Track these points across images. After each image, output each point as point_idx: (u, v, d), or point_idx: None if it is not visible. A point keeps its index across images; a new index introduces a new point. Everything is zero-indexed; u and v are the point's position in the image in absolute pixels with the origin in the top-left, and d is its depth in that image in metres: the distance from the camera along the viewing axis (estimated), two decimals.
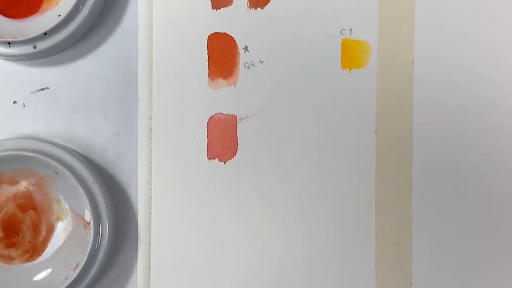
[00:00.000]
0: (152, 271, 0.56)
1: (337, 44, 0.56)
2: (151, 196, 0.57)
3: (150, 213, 0.57)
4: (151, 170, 0.57)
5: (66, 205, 0.56)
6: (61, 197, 0.56)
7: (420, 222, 0.56)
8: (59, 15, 0.54)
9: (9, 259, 0.56)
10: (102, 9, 0.57)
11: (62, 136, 0.57)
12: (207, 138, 0.57)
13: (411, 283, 0.56)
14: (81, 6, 0.54)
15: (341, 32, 0.56)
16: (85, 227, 0.55)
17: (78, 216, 0.55)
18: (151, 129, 0.57)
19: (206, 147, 0.57)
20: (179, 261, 0.57)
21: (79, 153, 0.57)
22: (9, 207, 0.56)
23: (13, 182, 0.56)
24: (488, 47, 0.56)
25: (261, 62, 0.57)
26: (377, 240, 0.56)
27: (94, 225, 0.54)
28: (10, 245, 0.56)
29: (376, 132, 0.56)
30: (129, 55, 0.57)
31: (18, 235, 0.56)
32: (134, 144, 0.57)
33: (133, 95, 0.57)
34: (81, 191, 0.54)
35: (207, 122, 0.57)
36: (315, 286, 0.56)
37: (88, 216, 0.54)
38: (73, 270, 0.54)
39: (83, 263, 0.53)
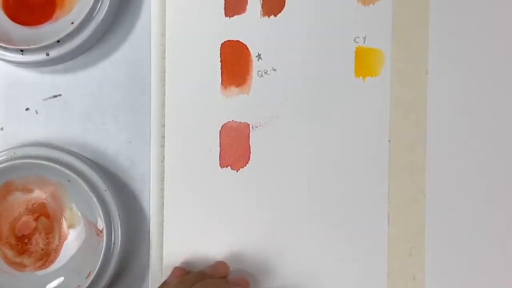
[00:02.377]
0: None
1: (350, 52, 0.56)
2: (163, 204, 0.56)
3: (163, 221, 0.57)
4: (163, 178, 0.57)
5: (79, 213, 0.56)
6: (74, 204, 0.56)
7: (433, 231, 0.56)
8: (72, 23, 0.54)
9: (21, 266, 0.56)
10: (115, 17, 0.57)
11: (75, 143, 0.57)
12: (220, 146, 0.57)
13: None
14: (94, 14, 0.54)
15: (354, 40, 0.56)
16: (97, 235, 0.55)
17: (90, 224, 0.55)
18: (163, 137, 0.57)
19: (218, 155, 0.57)
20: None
21: (91, 161, 0.57)
22: (22, 214, 0.56)
23: (26, 189, 0.56)
24: (503, 55, 0.56)
25: (274, 70, 0.56)
26: (389, 249, 0.56)
27: (107, 233, 0.54)
28: (22, 253, 0.56)
29: (389, 141, 0.56)
30: (141, 62, 0.57)
31: (30, 243, 0.56)
32: (147, 151, 0.57)
33: (146, 101, 0.57)
34: (93, 199, 0.54)
35: (220, 130, 0.57)
36: None
37: (100, 224, 0.54)
38: (86, 278, 0.54)
39: (95, 270, 0.53)
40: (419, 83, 0.56)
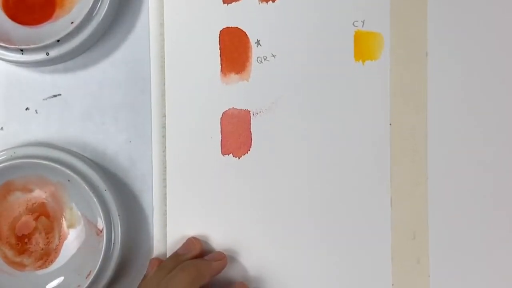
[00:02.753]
0: None
1: (349, 36, 0.56)
2: (166, 194, 0.56)
3: (166, 210, 0.56)
4: (165, 167, 0.56)
5: (79, 213, 0.56)
6: (74, 204, 0.56)
7: (436, 214, 0.56)
8: (72, 22, 0.54)
9: (21, 266, 0.56)
10: (114, 17, 0.57)
11: (75, 143, 0.57)
12: (221, 134, 0.57)
13: (429, 276, 0.56)
14: (94, 13, 0.54)
15: (353, 24, 0.56)
16: (97, 234, 0.55)
17: (90, 224, 0.55)
18: (164, 127, 0.57)
19: (220, 143, 0.57)
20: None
21: (91, 160, 0.57)
22: (22, 214, 0.56)
23: (26, 189, 0.56)
24: (504, 36, 0.56)
25: (273, 56, 0.56)
26: (393, 233, 0.56)
27: (107, 232, 0.54)
28: (22, 252, 0.56)
29: (390, 124, 0.56)
30: (141, 62, 0.57)
31: (30, 242, 0.56)
32: (147, 151, 0.57)
33: (146, 101, 0.57)
34: (93, 198, 0.54)
35: (221, 118, 0.57)
36: (332, 280, 0.56)
37: (100, 223, 0.54)
38: (86, 278, 0.54)
39: (95, 270, 0.53)
40: (419, 66, 0.56)
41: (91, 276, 0.53)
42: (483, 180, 0.56)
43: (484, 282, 0.56)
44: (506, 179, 0.56)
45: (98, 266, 0.53)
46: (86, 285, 0.53)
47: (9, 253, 0.56)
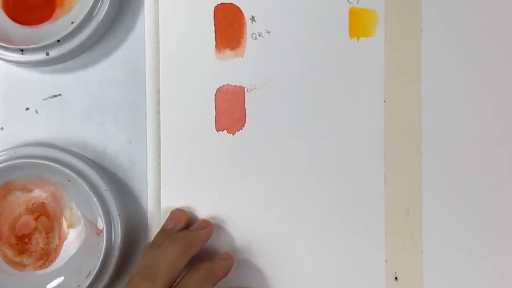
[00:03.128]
0: None
1: (344, 13, 0.56)
2: (160, 170, 0.56)
3: (160, 186, 0.56)
4: (160, 144, 0.57)
5: (79, 213, 0.56)
6: (74, 204, 0.56)
7: (430, 190, 0.56)
8: (72, 22, 0.54)
9: (21, 266, 0.56)
10: (115, 16, 0.57)
11: (75, 143, 0.57)
12: (215, 110, 0.57)
13: (422, 252, 0.56)
14: (94, 13, 0.54)
15: (348, 0, 0.56)
16: (97, 234, 0.55)
17: (90, 224, 0.55)
18: (159, 103, 0.57)
19: (214, 119, 0.57)
20: None
21: (91, 160, 0.57)
22: (22, 214, 0.56)
23: (26, 189, 0.56)
24: (498, 14, 0.56)
25: (268, 32, 0.56)
26: (386, 209, 0.56)
27: (107, 232, 0.54)
28: (22, 252, 0.56)
29: (385, 101, 0.56)
30: (141, 62, 0.57)
31: (30, 242, 0.56)
32: (147, 151, 0.57)
33: (146, 101, 0.57)
34: (93, 198, 0.54)
35: (215, 94, 0.57)
36: (325, 257, 0.56)
37: (100, 223, 0.54)
38: (86, 278, 0.54)
39: (95, 270, 0.53)
40: (413, 43, 0.56)
41: (91, 276, 0.53)
42: (478, 156, 0.56)
43: (477, 258, 0.56)
44: (501, 156, 0.56)
45: (98, 266, 0.53)
46: (86, 285, 0.53)
47: (9, 253, 0.56)
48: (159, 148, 0.57)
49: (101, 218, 0.54)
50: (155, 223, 0.57)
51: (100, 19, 0.54)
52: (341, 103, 0.56)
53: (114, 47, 0.57)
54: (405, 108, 0.56)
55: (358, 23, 0.56)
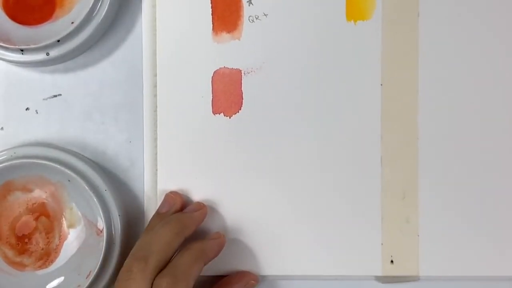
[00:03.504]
0: None
1: None
2: (156, 153, 0.56)
3: (156, 170, 0.56)
4: (156, 126, 0.56)
5: (79, 213, 0.56)
6: (74, 204, 0.56)
7: (426, 174, 0.56)
8: (72, 22, 0.54)
9: (21, 266, 0.56)
10: (115, 16, 0.57)
11: (75, 143, 0.57)
12: (212, 93, 0.57)
13: (418, 235, 0.56)
14: (94, 13, 0.54)
15: None
16: (97, 234, 0.55)
17: (90, 224, 0.55)
18: (155, 86, 0.57)
19: (211, 102, 0.57)
20: None
21: (91, 160, 0.57)
22: (22, 214, 0.56)
23: (26, 189, 0.56)
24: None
25: (265, 15, 0.56)
26: (383, 193, 0.56)
27: (107, 232, 0.54)
28: (22, 252, 0.56)
29: (381, 85, 0.56)
30: (141, 62, 0.57)
31: (30, 242, 0.56)
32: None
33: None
34: (93, 198, 0.54)
35: (212, 77, 0.57)
36: (320, 240, 0.56)
37: (100, 223, 0.54)
38: (86, 278, 0.54)
39: (95, 270, 0.53)
40: (410, 26, 0.56)
41: (91, 276, 0.53)
42: (474, 140, 0.56)
43: (473, 242, 0.56)
44: (497, 139, 0.56)
45: (98, 266, 0.53)
46: (86, 285, 0.53)
47: (9, 253, 0.56)
48: (155, 131, 0.56)
49: (101, 218, 0.54)
50: (152, 207, 0.57)
51: (100, 19, 0.54)
52: (337, 87, 0.56)
53: (114, 47, 0.57)
54: (402, 92, 0.56)
55: (355, 6, 0.56)
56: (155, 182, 0.57)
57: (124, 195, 0.57)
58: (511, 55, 0.56)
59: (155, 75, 0.57)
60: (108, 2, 0.54)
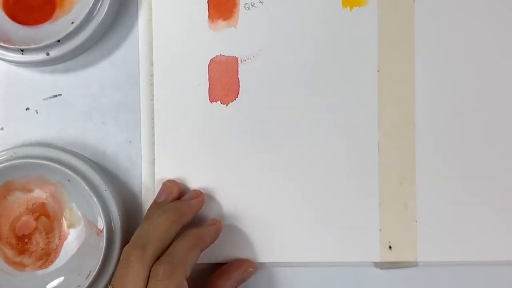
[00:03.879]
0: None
1: None
2: (154, 142, 0.56)
3: (154, 159, 0.56)
4: (153, 116, 0.56)
5: (79, 213, 0.56)
6: (74, 204, 0.56)
7: (423, 159, 0.56)
8: (72, 22, 0.54)
9: (21, 266, 0.56)
10: (115, 16, 0.57)
11: (75, 143, 0.57)
12: (209, 81, 0.57)
13: (416, 221, 0.56)
14: (94, 13, 0.54)
15: None
16: (97, 234, 0.55)
17: (90, 224, 0.55)
18: (152, 75, 0.57)
19: (208, 90, 0.57)
20: None
21: (91, 160, 0.57)
22: (22, 214, 0.56)
23: (26, 189, 0.56)
24: None
25: (261, 2, 0.57)
26: (380, 179, 0.56)
27: (107, 232, 0.54)
28: (22, 252, 0.56)
29: (378, 71, 0.56)
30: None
31: (31, 242, 0.56)
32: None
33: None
34: (93, 198, 0.54)
35: (208, 65, 0.57)
36: (318, 226, 0.56)
37: (100, 223, 0.54)
38: (86, 278, 0.54)
39: (95, 270, 0.53)
40: (407, 12, 0.56)
41: (91, 276, 0.53)
42: (471, 125, 0.56)
43: (471, 227, 0.56)
44: (494, 123, 0.57)
45: (98, 266, 0.53)
46: (86, 285, 0.53)
47: (10, 253, 0.56)
48: (152, 119, 0.56)
49: (101, 218, 0.54)
50: (150, 196, 0.57)
51: (100, 19, 0.54)
52: (334, 74, 0.56)
53: (115, 47, 0.57)
54: (399, 78, 0.57)
55: None
56: (152, 170, 0.57)
57: (124, 195, 0.57)
58: (508, 39, 0.56)
59: (151, 64, 0.57)
60: (108, 2, 0.54)
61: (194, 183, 0.57)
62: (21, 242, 0.56)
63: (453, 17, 0.56)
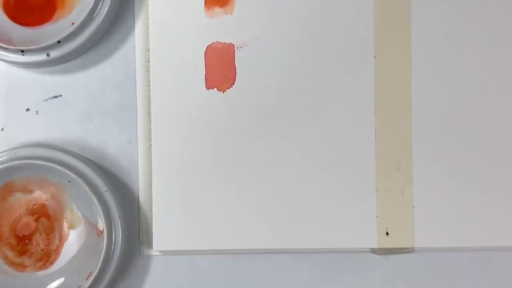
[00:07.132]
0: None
1: None
2: (150, 128, 0.56)
3: (151, 145, 0.56)
4: (149, 103, 0.56)
5: (79, 214, 0.56)
6: (74, 205, 0.56)
7: (420, 146, 0.56)
8: (73, 23, 0.54)
9: (22, 267, 0.56)
10: (115, 17, 0.57)
11: (75, 144, 0.57)
12: (205, 68, 0.57)
13: (413, 207, 0.56)
14: (94, 14, 0.54)
15: None
16: (98, 235, 0.55)
17: (91, 225, 0.55)
18: (148, 61, 0.56)
19: (204, 77, 0.57)
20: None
21: (92, 161, 0.57)
22: (22, 215, 0.56)
23: (26, 190, 0.56)
24: None
25: None
26: (377, 165, 0.56)
27: (107, 233, 0.54)
28: (23, 253, 0.56)
29: (374, 57, 0.56)
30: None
31: (31, 243, 0.56)
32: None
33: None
34: (94, 199, 0.54)
35: (205, 52, 0.57)
36: (316, 213, 0.56)
37: (101, 224, 0.54)
38: (86, 279, 0.54)
39: (96, 271, 0.53)
40: None
41: (92, 277, 0.53)
42: (467, 111, 0.56)
43: (468, 213, 0.56)
44: (491, 110, 0.56)
45: (98, 267, 0.53)
46: (87, 286, 0.53)
47: (10, 254, 0.56)
48: (149, 105, 0.56)
49: (102, 219, 0.54)
50: (147, 183, 0.57)
51: (101, 20, 0.54)
52: (330, 59, 0.56)
53: (115, 47, 0.57)
54: (395, 64, 0.56)
55: None
56: (149, 156, 0.56)
57: (125, 196, 0.57)
58: (507, 25, 0.56)
59: (147, 50, 0.56)
60: (109, 3, 0.54)
61: (190, 169, 0.56)
62: (22, 243, 0.56)
63: (451, 2, 0.56)
